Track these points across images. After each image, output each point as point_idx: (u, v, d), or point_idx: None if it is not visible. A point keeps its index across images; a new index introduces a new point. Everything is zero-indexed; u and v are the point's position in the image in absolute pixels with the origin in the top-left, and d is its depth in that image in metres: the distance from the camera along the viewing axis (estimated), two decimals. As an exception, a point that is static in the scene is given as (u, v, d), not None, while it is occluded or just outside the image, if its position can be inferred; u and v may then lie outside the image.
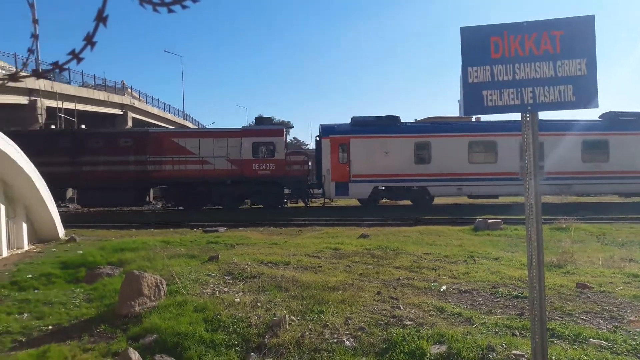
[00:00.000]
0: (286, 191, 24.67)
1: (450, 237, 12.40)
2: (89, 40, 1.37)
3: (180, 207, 24.09)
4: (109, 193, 23.04)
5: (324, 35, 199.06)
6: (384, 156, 22.38)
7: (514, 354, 4.55)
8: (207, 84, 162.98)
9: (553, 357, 4.40)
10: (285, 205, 25.23)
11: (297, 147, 52.24)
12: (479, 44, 3.94)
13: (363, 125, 23.12)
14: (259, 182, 23.45)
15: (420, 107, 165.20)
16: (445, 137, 22.80)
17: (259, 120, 26.91)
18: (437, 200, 24.51)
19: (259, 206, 24.62)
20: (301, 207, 25.39)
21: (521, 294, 6.61)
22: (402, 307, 6.02)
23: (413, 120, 26.50)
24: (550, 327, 5.06)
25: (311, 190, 24.82)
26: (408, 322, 5.50)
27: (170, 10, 1.31)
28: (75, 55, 1.40)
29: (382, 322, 5.54)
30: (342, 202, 27.02)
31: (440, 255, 9.64)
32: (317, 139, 24.38)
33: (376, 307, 6.09)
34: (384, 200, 24.11)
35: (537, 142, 3.90)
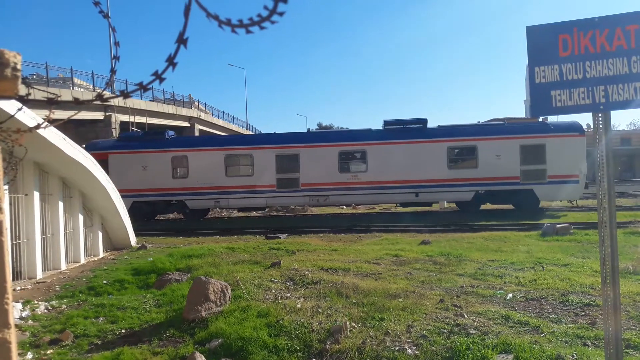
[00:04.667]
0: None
1: (516, 243, 11.94)
2: (171, 62, 1.43)
3: None
4: None
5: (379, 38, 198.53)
6: (143, 171, 22.31)
7: (586, 366, 4.33)
8: (270, 94, 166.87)
9: (629, 370, 4.15)
10: None
11: None
12: (546, 43, 3.83)
13: (127, 141, 23.21)
14: None
15: (485, 107, 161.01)
16: (202, 151, 22.55)
17: None
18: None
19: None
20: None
21: (593, 302, 6.27)
22: (466, 315, 5.88)
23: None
24: (626, 337, 4.78)
25: None
26: (472, 331, 5.35)
27: (248, 32, 1.33)
28: (158, 76, 1.48)
29: (445, 331, 5.43)
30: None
31: (506, 262, 9.31)
32: None
33: (439, 315, 5.97)
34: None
35: (610, 144, 3.72)
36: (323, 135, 22.88)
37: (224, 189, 21.99)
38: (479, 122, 24.17)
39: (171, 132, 24.38)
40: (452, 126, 22.34)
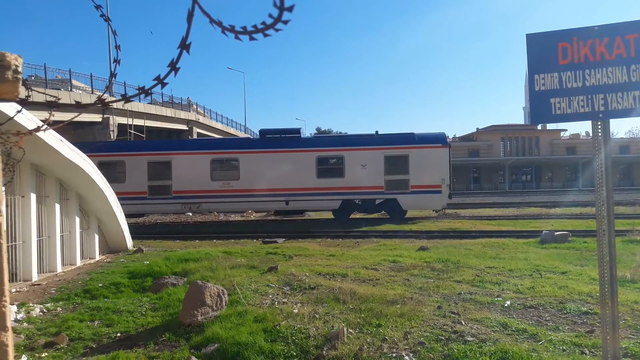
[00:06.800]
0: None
1: (514, 250, 11.94)
2: (173, 67, 1.43)
3: None
4: None
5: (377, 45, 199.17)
6: None
7: (585, 375, 4.31)
8: (268, 97, 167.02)
9: (628, 379, 4.13)
10: None
11: None
12: (545, 51, 3.84)
13: None
14: None
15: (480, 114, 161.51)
16: None
17: None
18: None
19: None
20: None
21: (591, 310, 6.26)
22: (463, 323, 5.85)
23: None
24: (623, 345, 4.76)
25: None
26: (470, 338, 5.33)
27: (252, 38, 1.32)
28: (160, 81, 1.47)
29: (443, 338, 5.41)
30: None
31: (504, 269, 9.30)
32: None
33: (436, 322, 5.95)
34: None
35: (609, 151, 3.73)
36: (197, 143, 23.12)
37: None
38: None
39: None
40: (323, 136, 23.35)
